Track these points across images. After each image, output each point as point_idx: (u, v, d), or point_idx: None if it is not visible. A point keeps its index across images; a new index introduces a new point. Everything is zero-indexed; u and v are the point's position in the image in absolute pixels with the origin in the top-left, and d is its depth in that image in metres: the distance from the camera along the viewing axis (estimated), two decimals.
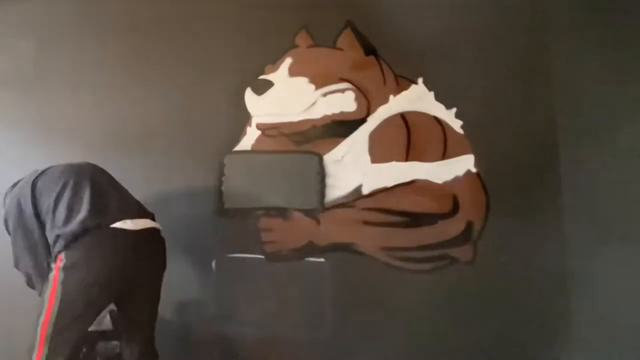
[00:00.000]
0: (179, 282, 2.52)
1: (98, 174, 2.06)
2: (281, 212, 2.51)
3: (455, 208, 2.43)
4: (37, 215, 1.91)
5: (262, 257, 2.50)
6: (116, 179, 2.59)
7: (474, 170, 2.44)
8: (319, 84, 2.55)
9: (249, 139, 2.57)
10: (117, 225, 1.86)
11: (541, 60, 2.47)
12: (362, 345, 2.42)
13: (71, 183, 1.93)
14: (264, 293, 2.49)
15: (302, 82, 2.56)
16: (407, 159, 2.46)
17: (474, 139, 2.45)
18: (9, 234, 2.00)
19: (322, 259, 2.47)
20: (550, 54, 2.47)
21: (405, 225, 2.42)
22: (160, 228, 2.04)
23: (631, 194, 2.34)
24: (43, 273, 1.89)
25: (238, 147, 2.57)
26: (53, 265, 1.82)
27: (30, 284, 2.02)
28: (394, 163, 2.47)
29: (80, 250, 1.81)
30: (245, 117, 2.57)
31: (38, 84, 2.68)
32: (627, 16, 2.43)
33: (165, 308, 2.51)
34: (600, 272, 2.33)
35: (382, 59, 2.53)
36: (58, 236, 1.83)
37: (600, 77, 2.42)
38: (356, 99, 2.51)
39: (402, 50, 2.51)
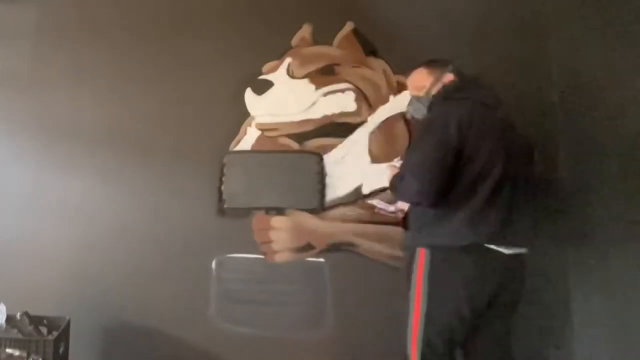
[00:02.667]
0: (179, 283, 2.53)
1: None
2: (281, 212, 2.51)
3: None
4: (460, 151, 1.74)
5: (262, 257, 2.50)
6: (116, 179, 2.59)
7: None
8: (319, 84, 2.55)
9: (249, 139, 2.57)
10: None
11: (542, 61, 2.47)
12: (362, 345, 2.42)
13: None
14: (264, 293, 2.49)
15: (302, 82, 2.56)
16: None
17: None
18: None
19: (322, 259, 2.47)
20: (551, 56, 2.47)
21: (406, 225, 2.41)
22: None
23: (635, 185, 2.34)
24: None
25: (238, 147, 2.57)
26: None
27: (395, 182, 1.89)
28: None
29: None
30: (245, 117, 2.57)
31: (36, 84, 2.68)
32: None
33: (165, 308, 2.52)
34: (602, 272, 2.33)
35: (382, 59, 2.53)
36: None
37: (604, 78, 2.41)
38: (356, 99, 2.51)
39: (402, 50, 2.51)
